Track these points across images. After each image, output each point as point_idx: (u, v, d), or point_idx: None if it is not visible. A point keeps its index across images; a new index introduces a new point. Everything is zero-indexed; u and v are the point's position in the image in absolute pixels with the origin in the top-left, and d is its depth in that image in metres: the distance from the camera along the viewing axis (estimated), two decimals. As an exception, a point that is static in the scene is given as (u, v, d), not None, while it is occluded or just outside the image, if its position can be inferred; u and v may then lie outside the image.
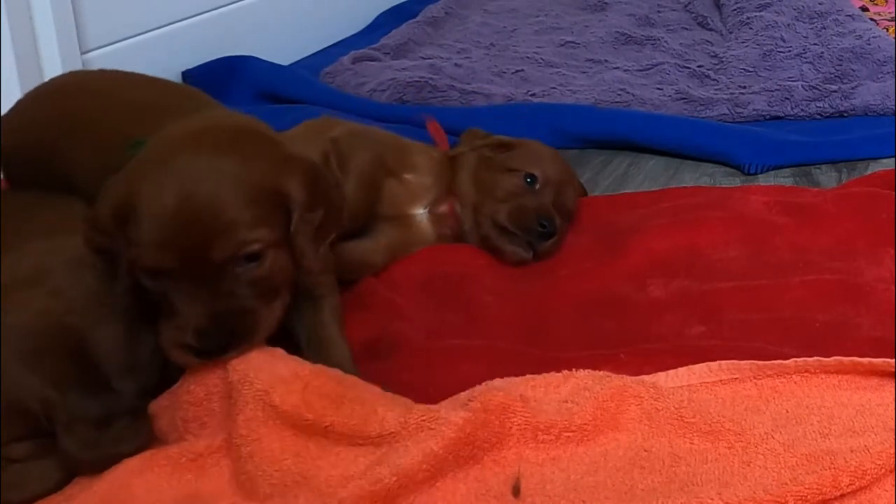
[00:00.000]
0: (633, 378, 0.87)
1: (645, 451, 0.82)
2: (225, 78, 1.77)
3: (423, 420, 0.80)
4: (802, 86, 1.73)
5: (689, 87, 1.81)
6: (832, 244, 1.18)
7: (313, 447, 0.81)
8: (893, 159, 1.48)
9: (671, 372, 0.91)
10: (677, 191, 1.38)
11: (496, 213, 1.18)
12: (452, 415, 0.80)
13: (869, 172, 1.42)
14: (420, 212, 1.22)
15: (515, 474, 0.80)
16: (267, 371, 0.83)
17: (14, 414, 0.83)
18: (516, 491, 0.79)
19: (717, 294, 1.09)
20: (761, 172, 1.47)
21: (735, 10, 2.22)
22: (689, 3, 2.39)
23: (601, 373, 0.88)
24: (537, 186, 1.20)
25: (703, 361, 0.91)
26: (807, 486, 0.74)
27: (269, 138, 0.91)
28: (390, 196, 1.20)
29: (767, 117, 1.69)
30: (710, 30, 2.22)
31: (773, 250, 1.18)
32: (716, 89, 1.80)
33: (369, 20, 2.41)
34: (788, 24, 2.04)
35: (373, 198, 1.18)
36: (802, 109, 1.69)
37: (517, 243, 1.17)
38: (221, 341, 0.83)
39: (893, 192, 1.26)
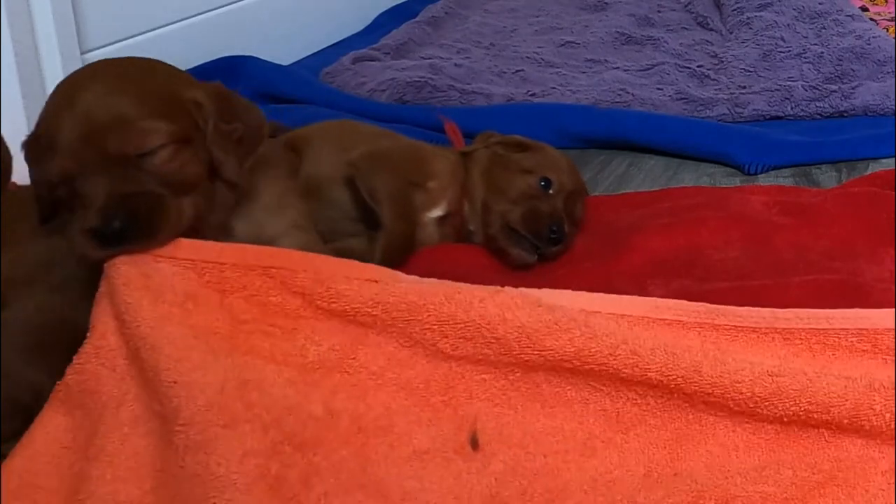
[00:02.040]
0: (568, 311, 0.85)
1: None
2: (225, 78, 1.75)
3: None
4: (802, 86, 1.73)
5: (689, 87, 1.81)
6: (832, 244, 1.18)
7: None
8: (893, 159, 1.48)
9: (616, 297, 0.90)
10: (677, 191, 1.38)
11: (508, 214, 1.17)
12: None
13: (869, 172, 1.42)
14: (433, 216, 1.22)
15: (472, 427, 0.82)
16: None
17: (14, 410, 0.83)
18: (474, 443, 0.81)
19: (717, 294, 1.09)
20: (761, 172, 1.47)
21: (735, 10, 2.22)
22: (689, 3, 2.39)
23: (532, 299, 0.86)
24: (551, 191, 1.19)
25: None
26: None
27: (178, 70, 0.96)
28: (415, 205, 1.20)
29: (767, 117, 1.69)
30: (710, 30, 2.22)
31: (773, 250, 1.18)
32: (716, 89, 1.80)
33: (369, 20, 2.41)
34: (788, 24, 2.04)
35: (414, 223, 1.18)
36: (802, 109, 1.69)
37: (524, 246, 1.16)
38: (123, 223, 0.84)
39: (893, 192, 1.26)
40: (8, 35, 1.35)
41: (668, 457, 0.79)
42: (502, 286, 1.12)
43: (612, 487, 0.77)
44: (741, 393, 0.77)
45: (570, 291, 0.89)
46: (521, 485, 0.78)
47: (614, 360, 0.79)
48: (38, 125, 0.90)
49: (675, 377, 0.78)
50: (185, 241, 0.88)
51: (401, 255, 1.14)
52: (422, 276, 1.15)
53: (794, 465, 0.76)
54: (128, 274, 0.84)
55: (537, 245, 1.16)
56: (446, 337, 0.84)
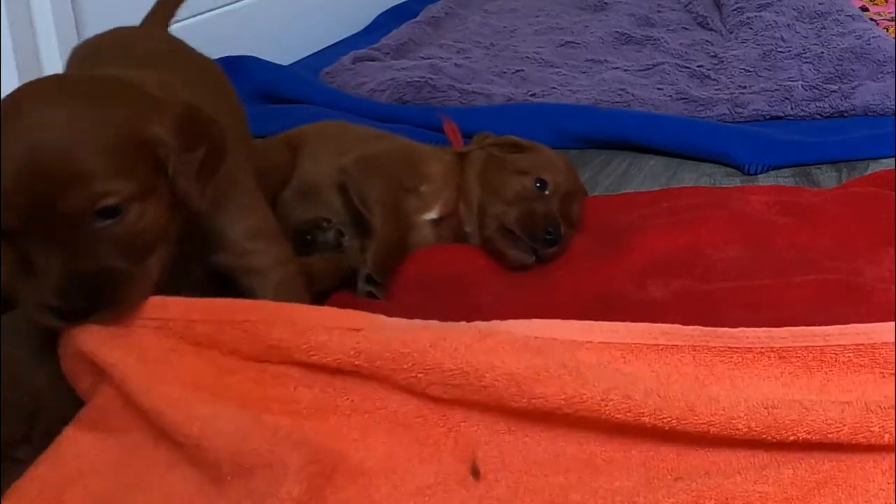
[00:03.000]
0: (557, 354, 0.82)
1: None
2: (225, 78, 1.77)
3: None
4: (802, 86, 1.73)
5: (689, 87, 1.81)
6: (832, 244, 1.18)
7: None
8: (893, 159, 1.48)
9: (608, 325, 0.87)
10: (677, 191, 1.38)
11: (503, 216, 1.17)
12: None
13: (869, 172, 1.42)
14: (428, 218, 1.22)
15: (471, 457, 0.80)
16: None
17: (20, 411, 0.82)
18: (476, 473, 0.80)
19: (718, 294, 1.09)
20: (761, 172, 1.47)
21: (735, 10, 2.22)
22: (689, 3, 2.39)
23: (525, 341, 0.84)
24: (547, 192, 1.19)
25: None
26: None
27: (135, 86, 0.84)
28: (406, 210, 1.20)
29: (767, 117, 1.69)
30: (710, 30, 2.22)
31: (773, 250, 1.18)
32: (716, 89, 1.80)
33: (369, 20, 2.41)
34: (788, 24, 2.04)
35: (405, 230, 1.18)
36: (802, 109, 1.69)
37: (520, 248, 1.16)
38: (84, 303, 0.77)
39: (893, 192, 1.26)
40: (8, 35, 1.35)
41: (670, 465, 0.79)
42: (500, 289, 1.13)
43: (614, 496, 0.76)
44: (737, 429, 0.76)
45: (560, 321, 0.87)
46: (524, 502, 0.77)
47: (606, 406, 0.77)
48: None
49: (669, 419, 0.76)
50: (150, 301, 0.84)
51: (392, 262, 1.14)
52: (420, 276, 1.16)
53: (794, 465, 0.76)
54: (101, 335, 0.80)
55: (533, 246, 1.15)
56: (434, 384, 0.80)
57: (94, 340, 0.80)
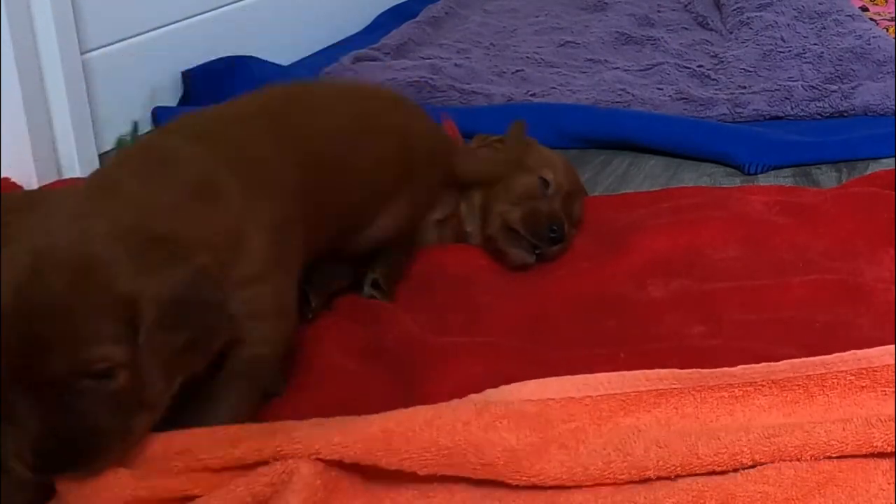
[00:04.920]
0: (555, 432, 0.79)
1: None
2: (225, 78, 1.77)
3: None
4: (802, 86, 1.73)
5: (689, 87, 1.81)
6: (832, 244, 1.18)
7: None
8: (893, 159, 1.48)
9: (607, 376, 0.85)
10: (677, 191, 1.38)
11: (507, 215, 1.17)
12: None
13: (869, 172, 1.42)
14: (432, 218, 1.22)
15: None
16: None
17: None
18: None
19: (717, 294, 1.09)
20: (761, 172, 1.47)
21: (735, 10, 2.22)
22: (689, 3, 2.39)
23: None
24: (549, 191, 1.19)
25: (702, 361, 0.89)
26: None
27: (157, 234, 0.76)
28: None
29: (767, 117, 1.69)
30: (710, 30, 2.22)
31: (773, 250, 1.18)
32: (716, 89, 1.80)
33: (369, 20, 2.41)
34: (788, 24, 2.04)
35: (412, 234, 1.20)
36: (802, 109, 1.69)
37: (523, 247, 1.16)
38: (61, 461, 0.72)
39: (893, 192, 1.26)
40: (8, 35, 1.35)
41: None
42: (501, 290, 1.13)
43: (615, 495, 0.76)
44: (742, 463, 0.76)
45: (556, 379, 0.84)
46: (526, 501, 0.77)
47: (609, 470, 0.76)
48: None
49: (673, 467, 0.76)
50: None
51: (400, 268, 1.15)
52: (422, 276, 1.16)
53: (794, 466, 0.76)
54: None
55: (536, 245, 1.15)
56: (427, 465, 0.76)
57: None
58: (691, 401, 0.82)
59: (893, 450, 0.76)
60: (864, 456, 0.77)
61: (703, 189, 1.39)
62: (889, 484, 0.75)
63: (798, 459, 0.76)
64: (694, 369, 0.85)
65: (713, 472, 0.76)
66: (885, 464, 0.76)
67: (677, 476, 0.76)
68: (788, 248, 1.18)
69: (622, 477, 0.76)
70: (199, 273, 0.76)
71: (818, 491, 0.74)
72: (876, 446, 0.76)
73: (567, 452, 0.77)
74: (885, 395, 0.81)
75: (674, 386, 0.83)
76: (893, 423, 0.76)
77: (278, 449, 0.75)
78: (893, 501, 0.74)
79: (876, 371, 0.82)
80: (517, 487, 0.77)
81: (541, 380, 0.85)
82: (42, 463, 0.71)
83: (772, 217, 1.24)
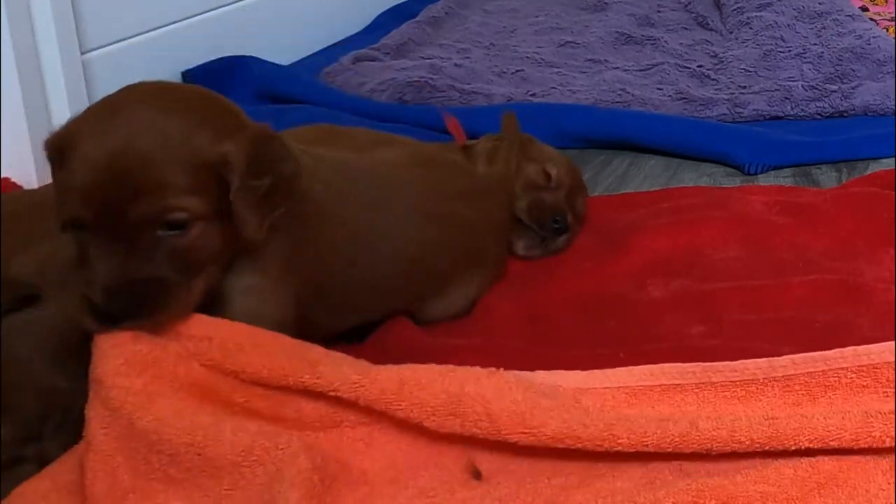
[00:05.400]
0: (561, 397, 0.82)
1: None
2: (225, 78, 1.77)
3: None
4: (802, 86, 1.73)
5: (689, 87, 1.81)
6: (832, 244, 1.18)
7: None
8: (893, 159, 1.48)
9: (610, 372, 0.88)
10: (677, 191, 1.38)
11: (513, 204, 1.18)
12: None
13: (869, 172, 1.42)
14: None
15: (470, 460, 0.81)
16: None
17: (28, 413, 0.82)
18: (477, 475, 0.80)
19: (717, 294, 1.09)
20: (761, 172, 1.47)
21: (735, 10, 2.22)
22: (689, 3, 2.39)
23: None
24: (552, 184, 1.21)
25: (702, 361, 0.90)
26: None
27: (225, 106, 0.86)
28: None
29: (767, 117, 1.69)
30: (710, 30, 2.22)
31: (773, 250, 1.18)
32: (716, 89, 1.80)
33: (369, 20, 2.41)
34: (788, 24, 2.04)
35: None
36: (802, 109, 1.69)
37: (529, 237, 1.18)
38: (127, 306, 0.77)
39: (893, 192, 1.26)
40: (8, 35, 1.35)
41: (669, 466, 0.79)
42: (502, 289, 1.13)
43: (615, 496, 0.77)
44: (740, 442, 0.76)
45: (562, 372, 0.87)
46: (525, 501, 0.78)
47: (609, 434, 0.77)
48: (67, 132, 0.81)
49: (672, 437, 0.77)
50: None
51: None
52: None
53: (794, 466, 0.76)
54: (117, 337, 0.79)
55: (542, 236, 1.17)
56: (435, 414, 0.80)
57: (107, 343, 0.79)
58: (694, 399, 0.84)
59: (892, 444, 0.75)
60: (864, 454, 0.77)
61: (703, 189, 1.39)
62: (889, 484, 0.75)
63: (794, 445, 0.76)
64: (696, 363, 0.86)
65: (710, 451, 0.77)
66: (885, 464, 0.76)
67: (677, 449, 0.77)
68: (788, 248, 1.18)
69: (621, 442, 0.77)
70: (264, 132, 0.85)
71: (818, 491, 0.74)
72: (875, 437, 0.75)
73: (570, 412, 0.79)
74: (888, 395, 0.81)
75: (676, 382, 0.84)
76: (893, 417, 0.76)
77: (301, 380, 0.80)
78: (893, 501, 0.74)
79: (877, 368, 0.82)
80: (517, 487, 0.78)
81: (549, 371, 0.87)
82: (108, 307, 0.77)
83: (772, 217, 1.24)
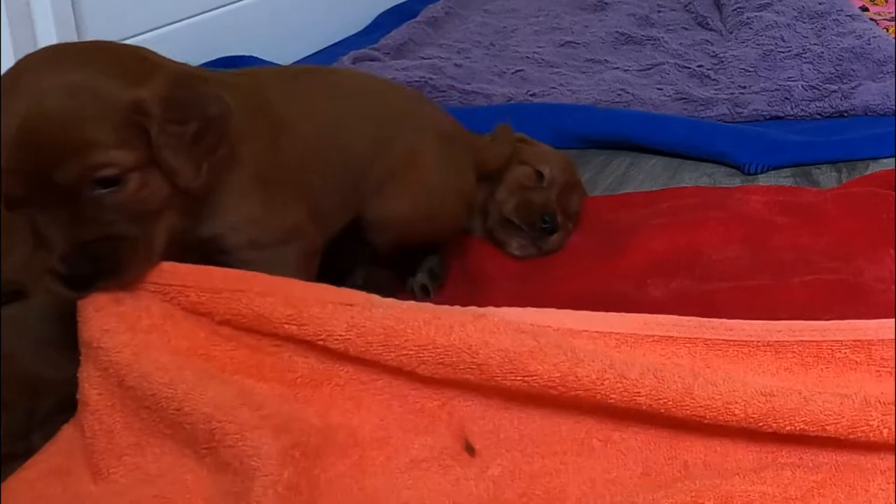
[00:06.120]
0: (552, 338, 0.81)
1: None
2: (225, 78, 1.77)
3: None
4: (802, 86, 1.73)
5: (689, 87, 1.81)
6: (832, 244, 1.18)
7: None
8: (893, 159, 1.48)
9: (603, 315, 0.87)
10: (677, 191, 1.38)
11: (503, 205, 1.19)
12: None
13: (869, 172, 1.42)
14: None
15: (462, 434, 0.81)
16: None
17: (17, 406, 0.82)
18: (470, 449, 0.80)
19: (717, 294, 1.09)
20: (761, 172, 1.47)
21: (735, 10, 2.22)
22: (689, 3, 2.39)
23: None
24: (544, 184, 1.21)
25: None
26: None
27: (132, 52, 0.84)
28: None
29: (767, 117, 1.69)
30: (710, 30, 2.22)
31: (773, 250, 1.18)
32: (716, 89, 1.80)
33: (369, 20, 2.41)
34: (788, 24, 2.04)
35: None
36: (802, 109, 1.69)
37: (521, 237, 1.18)
38: (88, 269, 0.77)
39: (893, 192, 1.26)
40: (8, 35, 1.35)
41: (666, 455, 0.79)
42: (500, 289, 1.13)
43: (610, 488, 0.76)
44: (734, 414, 0.76)
45: (555, 310, 0.87)
46: (520, 487, 0.78)
47: (601, 385, 0.77)
48: None
49: (665, 401, 0.76)
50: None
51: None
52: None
53: (793, 466, 0.76)
54: (98, 300, 0.81)
55: (532, 235, 1.17)
56: (425, 362, 0.80)
57: (93, 302, 0.81)
58: (686, 353, 0.83)
59: (890, 436, 0.75)
60: (863, 451, 0.76)
61: (703, 189, 1.39)
62: (889, 484, 0.75)
63: (790, 426, 0.75)
64: (692, 317, 0.86)
65: (702, 418, 0.76)
66: (885, 464, 0.76)
67: (669, 412, 0.76)
68: (788, 248, 1.18)
69: (613, 396, 0.77)
70: (183, 74, 0.83)
71: (817, 491, 0.74)
72: (872, 427, 0.75)
73: (563, 354, 0.78)
74: (880, 375, 0.81)
75: (669, 334, 0.84)
76: (892, 408, 0.75)
77: (287, 321, 0.81)
78: (893, 502, 0.74)
79: (872, 345, 0.82)
80: (511, 467, 0.77)
81: (541, 309, 0.86)
82: (71, 274, 0.76)
83: (772, 217, 1.24)
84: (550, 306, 1.09)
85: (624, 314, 0.86)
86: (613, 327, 0.84)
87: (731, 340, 0.83)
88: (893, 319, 0.84)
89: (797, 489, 0.74)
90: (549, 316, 0.85)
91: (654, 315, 0.86)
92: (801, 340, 0.82)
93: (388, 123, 1.09)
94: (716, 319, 0.85)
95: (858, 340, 0.82)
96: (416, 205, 1.09)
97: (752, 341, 0.83)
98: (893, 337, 0.82)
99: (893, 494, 0.74)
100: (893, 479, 0.75)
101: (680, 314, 1.05)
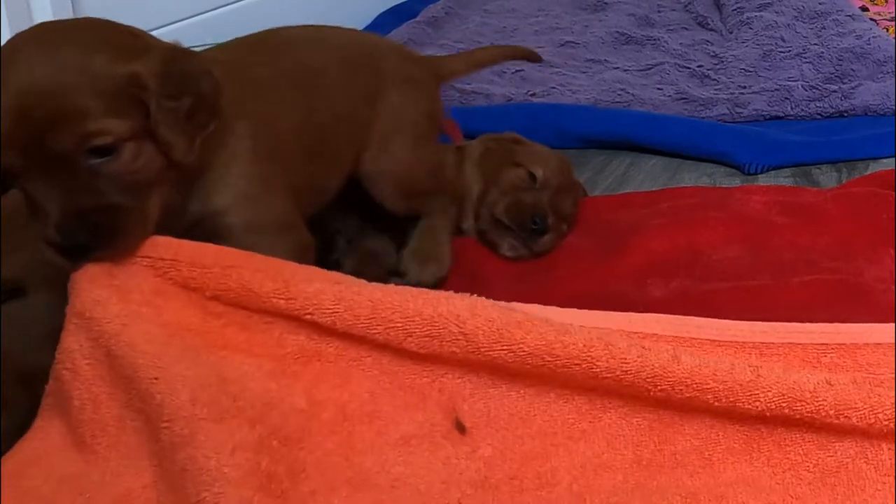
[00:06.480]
0: (539, 314, 0.82)
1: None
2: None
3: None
4: (802, 86, 1.73)
5: (689, 87, 1.81)
6: (832, 244, 1.18)
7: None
8: (893, 159, 1.48)
9: (589, 312, 0.87)
10: (677, 191, 1.38)
11: (495, 205, 1.19)
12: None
13: (869, 172, 1.42)
14: None
15: (452, 411, 0.81)
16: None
17: (17, 401, 0.82)
18: (461, 428, 0.80)
19: (717, 294, 1.09)
20: (761, 172, 1.47)
21: (735, 10, 2.22)
22: (689, 3, 2.39)
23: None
24: (537, 185, 1.21)
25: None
26: None
27: (124, 28, 0.85)
28: None
29: (767, 117, 1.69)
30: (710, 30, 2.22)
31: (773, 250, 1.18)
32: (716, 89, 1.80)
33: (369, 20, 2.41)
34: (788, 24, 2.04)
35: None
36: (802, 109, 1.69)
37: (513, 238, 1.18)
38: (83, 238, 0.78)
39: (893, 192, 1.26)
40: (8, 35, 1.35)
41: (656, 439, 0.79)
42: (500, 289, 1.13)
43: (600, 473, 0.76)
44: (723, 382, 0.75)
45: (556, 308, 0.87)
46: (511, 469, 0.77)
47: (589, 353, 0.76)
48: None
49: (652, 367, 0.76)
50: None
51: None
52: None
53: (792, 466, 0.76)
54: (92, 271, 0.82)
55: (523, 236, 1.17)
56: (412, 335, 0.80)
57: (86, 272, 0.81)
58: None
59: (882, 418, 0.75)
60: (862, 450, 0.76)
61: (703, 189, 1.39)
62: (888, 483, 0.75)
63: (776, 407, 0.75)
64: (679, 315, 0.86)
65: (688, 387, 0.76)
66: (883, 463, 0.76)
67: (655, 382, 0.76)
68: (788, 248, 1.18)
69: (600, 364, 0.77)
70: (175, 50, 0.84)
71: (818, 491, 0.74)
72: (857, 408, 0.74)
73: (549, 325, 0.78)
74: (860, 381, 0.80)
75: (654, 332, 0.84)
76: (877, 389, 0.75)
77: (275, 295, 0.82)
78: (893, 501, 0.74)
79: (857, 349, 0.82)
80: (502, 447, 0.77)
81: (526, 305, 0.86)
82: (67, 243, 0.77)
83: (772, 217, 1.24)
84: (550, 307, 1.10)
85: (608, 312, 0.87)
86: (599, 324, 0.84)
87: (717, 340, 0.84)
88: (879, 324, 0.84)
89: (796, 489, 0.74)
90: (549, 314, 0.85)
91: (640, 314, 0.86)
92: (788, 343, 0.83)
93: (370, 73, 1.13)
94: (701, 318, 0.86)
95: (843, 344, 0.82)
96: (409, 146, 1.13)
97: (738, 341, 0.83)
98: (879, 341, 0.82)
99: (893, 494, 0.74)
100: (893, 479, 0.75)
101: (680, 314, 1.06)
